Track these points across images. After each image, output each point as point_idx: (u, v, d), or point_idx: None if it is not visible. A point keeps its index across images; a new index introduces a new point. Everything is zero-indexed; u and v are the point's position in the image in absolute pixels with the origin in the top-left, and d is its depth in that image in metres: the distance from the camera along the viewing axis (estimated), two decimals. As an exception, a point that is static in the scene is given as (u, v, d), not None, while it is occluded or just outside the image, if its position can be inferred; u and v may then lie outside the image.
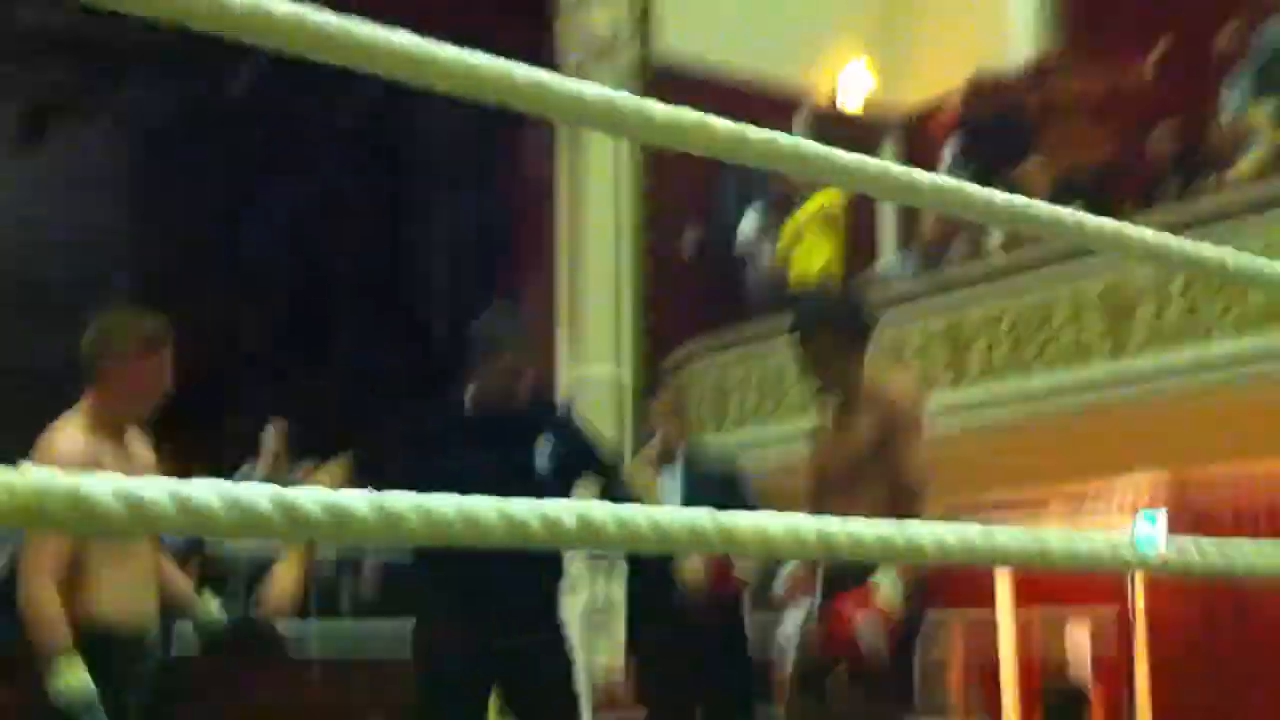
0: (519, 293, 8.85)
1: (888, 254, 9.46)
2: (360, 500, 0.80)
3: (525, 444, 3.63)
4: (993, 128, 7.60)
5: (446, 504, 0.83)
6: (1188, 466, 6.93)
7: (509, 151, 9.49)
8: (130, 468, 3.14)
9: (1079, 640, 8.02)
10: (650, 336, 8.55)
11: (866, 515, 3.57)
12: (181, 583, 3.50)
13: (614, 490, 3.70)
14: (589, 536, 0.91)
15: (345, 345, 11.43)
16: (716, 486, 4.47)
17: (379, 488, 0.81)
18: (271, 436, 7.80)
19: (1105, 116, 7.25)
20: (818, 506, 3.44)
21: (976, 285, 6.98)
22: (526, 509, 0.88)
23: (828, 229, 8.29)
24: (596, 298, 8.57)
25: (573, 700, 3.76)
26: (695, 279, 8.83)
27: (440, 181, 11.52)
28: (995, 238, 7.25)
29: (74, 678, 2.92)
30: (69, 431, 3.15)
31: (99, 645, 3.01)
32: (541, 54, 9.02)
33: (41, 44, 10.24)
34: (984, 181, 1.29)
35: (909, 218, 9.00)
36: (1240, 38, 6.82)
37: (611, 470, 3.88)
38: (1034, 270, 6.63)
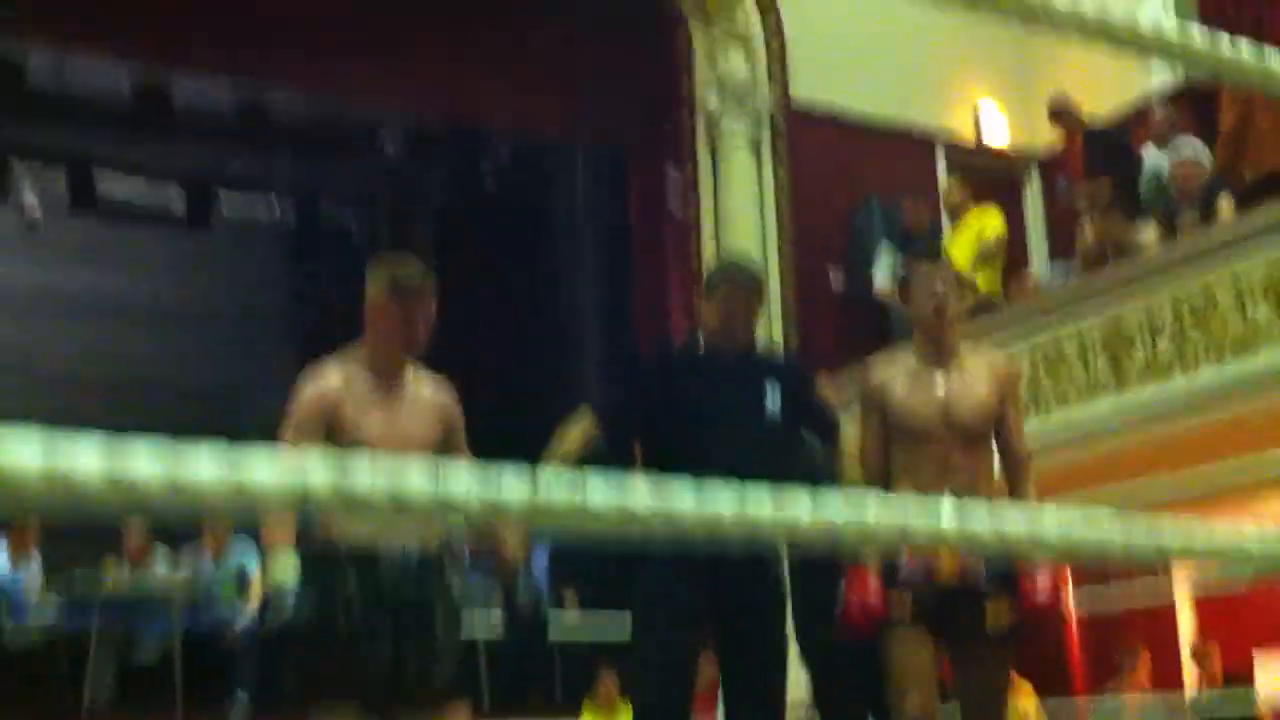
0: (668, 335, 8.95)
1: (1039, 264, 9.44)
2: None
3: (756, 383, 3.77)
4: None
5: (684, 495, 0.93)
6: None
7: (651, 194, 9.63)
8: (400, 403, 3.50)
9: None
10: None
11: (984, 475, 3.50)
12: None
13: (829, 447, 3.84)
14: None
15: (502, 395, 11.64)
16: None
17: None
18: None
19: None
20: (940, 455, 3.57)
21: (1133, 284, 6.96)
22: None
23: (987, 259, 8.39)
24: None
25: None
26: (840, 317, 8.87)
27: (582, 229, 11.70)
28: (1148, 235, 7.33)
29: (280, 574, 3.28)
30: (324, 366, 3.53)
31: (328, 556, 3.32)
32: (680, 99, 9.21)
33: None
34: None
35: (1058, 229, 8.98)
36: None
37: (831, 429, 3.95)
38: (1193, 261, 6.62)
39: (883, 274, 8.68)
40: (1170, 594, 8.40)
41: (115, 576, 7.77)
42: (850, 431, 3.88)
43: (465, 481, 0.82)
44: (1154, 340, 6.79)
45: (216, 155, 11.20)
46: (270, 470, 0.77)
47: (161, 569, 7.99)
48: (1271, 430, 6.21)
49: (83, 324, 12.45)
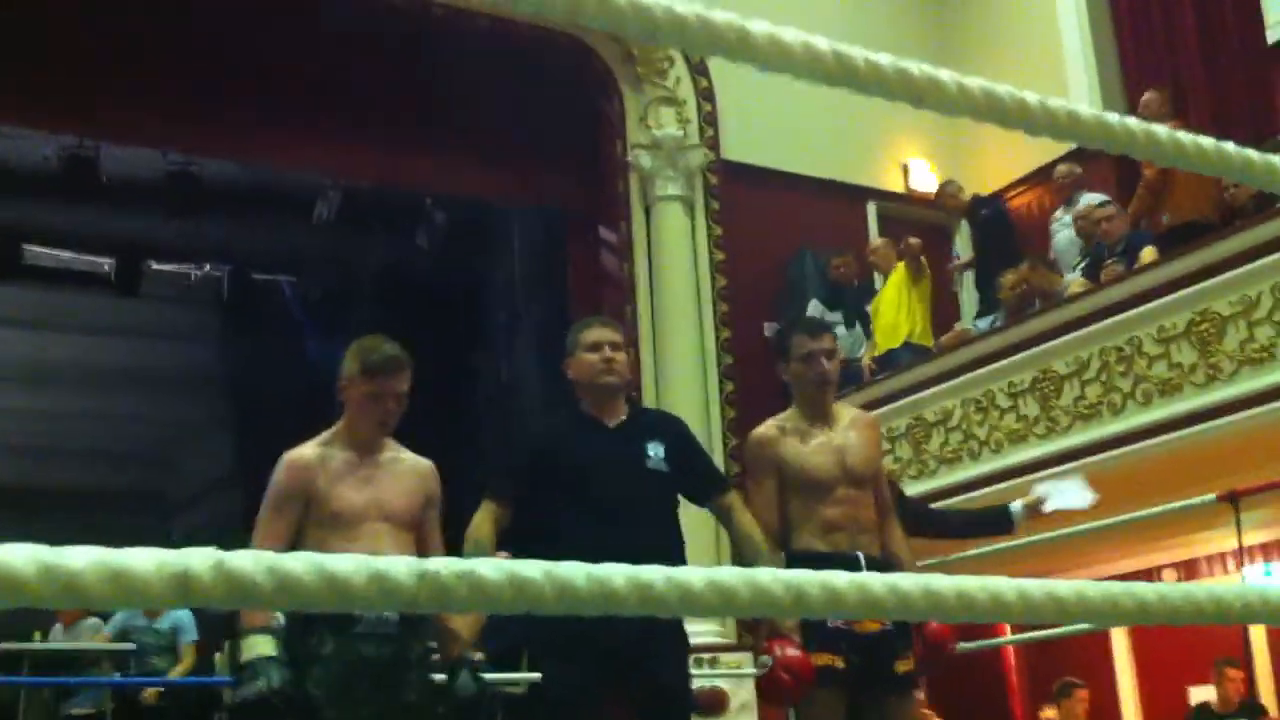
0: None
1: (969, 314, 9.61)
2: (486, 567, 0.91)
3: (638, 440, 3.83)
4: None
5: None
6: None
7: (587, 255, 9.68)
8: (378, 475, 3.56)
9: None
10: (737, 428, 8.63)
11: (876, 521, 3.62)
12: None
13: (719, 499, 3.90)
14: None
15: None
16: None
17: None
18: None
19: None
20: (841, 504, 3.81)
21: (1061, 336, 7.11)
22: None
23: (912, 296, 8.54)
24: (682, 394, 8.66)
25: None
26: (775, 372, 8.90)
27: (519, 292, 11.71)
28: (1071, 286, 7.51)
29: (260, 649, 3.28)
30: (300, 446, 3.58)
31: (305, 622, 3.37)
32: (614, 161, 9.29)
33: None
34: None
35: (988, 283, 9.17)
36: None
37: (719, 480, 4.06)
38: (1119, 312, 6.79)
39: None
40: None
41: (46, 637, 7.72)
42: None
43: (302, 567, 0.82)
44: (1082, 385, 6.92)
45: (147, 222, 11.14)
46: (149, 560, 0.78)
47: (92, 625, 7.93)
48: (1201, 470, 6.32)
49: (12, 388, 12.32)
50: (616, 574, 0.95)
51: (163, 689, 7.69)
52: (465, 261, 11.86)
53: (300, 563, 0.83)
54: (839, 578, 1.07)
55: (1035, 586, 1.22)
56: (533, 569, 0.92)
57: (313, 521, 3.47)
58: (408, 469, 3.66)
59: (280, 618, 3.41)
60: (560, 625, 3.59)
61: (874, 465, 3.95)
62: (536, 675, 3.86)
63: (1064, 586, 1.25)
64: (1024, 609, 1.21)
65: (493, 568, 0.90)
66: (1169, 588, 1.32)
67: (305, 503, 3.48)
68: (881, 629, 3.72)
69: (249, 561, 0.81)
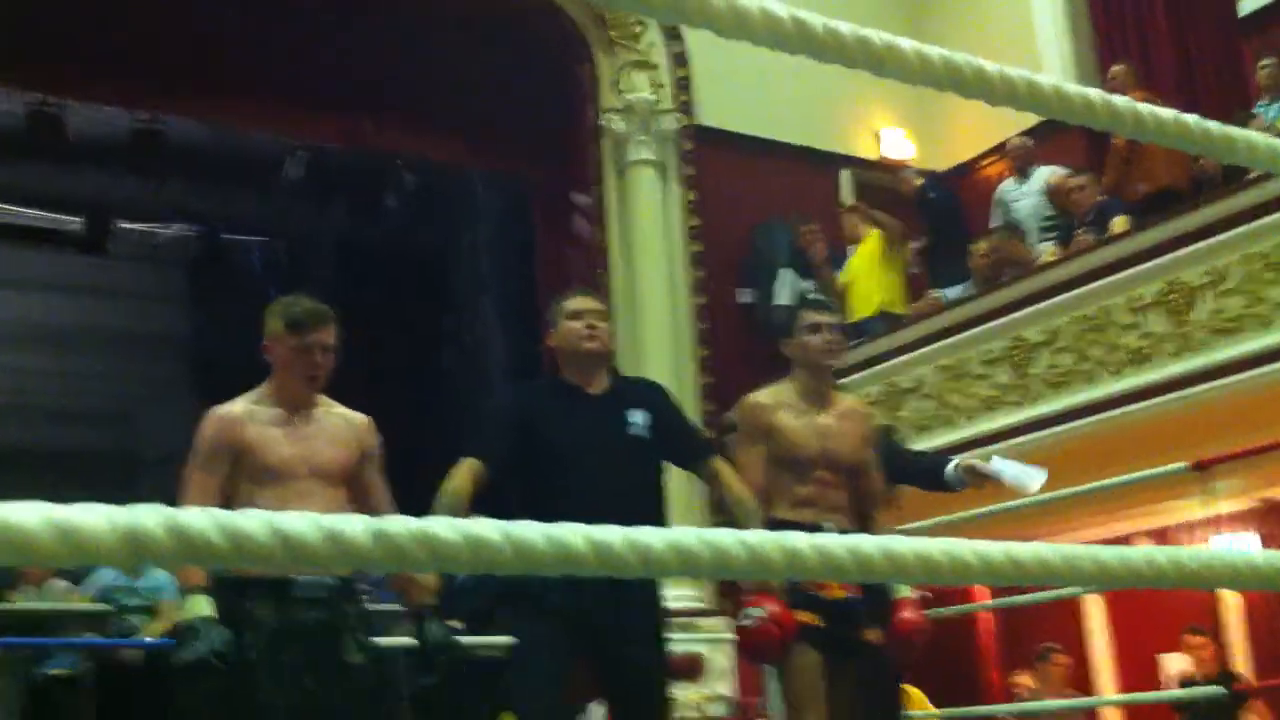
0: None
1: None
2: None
3: (618, 408, 3.86)
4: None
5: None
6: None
7: (557, 219, 9.63)
8: (309, 430, 3.52)
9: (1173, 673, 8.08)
10: (711, 394, 8.63)
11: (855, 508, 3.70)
12: None
13: (706, 465, 3.94)
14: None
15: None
16: None
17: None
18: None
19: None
20: (819, 486, 3.88)
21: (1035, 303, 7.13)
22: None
23: (887, 266, 8.56)
24: (656, 361, 8.65)
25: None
26: (747, 335, 8.91)
27: (487, 257, 11.67)
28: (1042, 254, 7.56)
29: (196, 608, 3.28)
30: (233, 401, 3.56)
31: (239, 587, 3.35)
32: (586, 125, 9.24)
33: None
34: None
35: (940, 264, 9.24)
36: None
37: (704, 447, 4.12)
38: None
39: (783, 297, 8.82)
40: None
41: (18, 598, 7.66)
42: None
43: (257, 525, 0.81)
44: (1054, 354, 6.96)
45: (114, 181, 11.03)
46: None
47: (64, 587, 7.89)
48: (1173, 439, 6.37)
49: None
50: (575, 534, 0.95)
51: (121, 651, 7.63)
52: (434, 224, 11.79)
53: (254, 521, 0.82)
54: (799, 539, 1.07)
55: (995, 549, 1.22)
56: (490, 529, 0.91)
57: (243, 477, 3.44)
58: (340, 423, 3.62)
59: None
60: (531, 589, 3.59)
61: (858, 455, 3.99)
62: (508, 638, 3.84)
63: (1023, 549, 1.25)
64: (983, 570, 1.21)
65: (449, 527, 0.89)
66: (1131, 550, 1.33)
67: (233, 458, 3.44)
68: (846, 596, 3.77)
69: (202, 519, 0.79)
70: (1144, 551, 1.32)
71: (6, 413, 12.16)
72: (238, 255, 12.58)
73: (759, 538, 1.05)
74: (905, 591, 3.94)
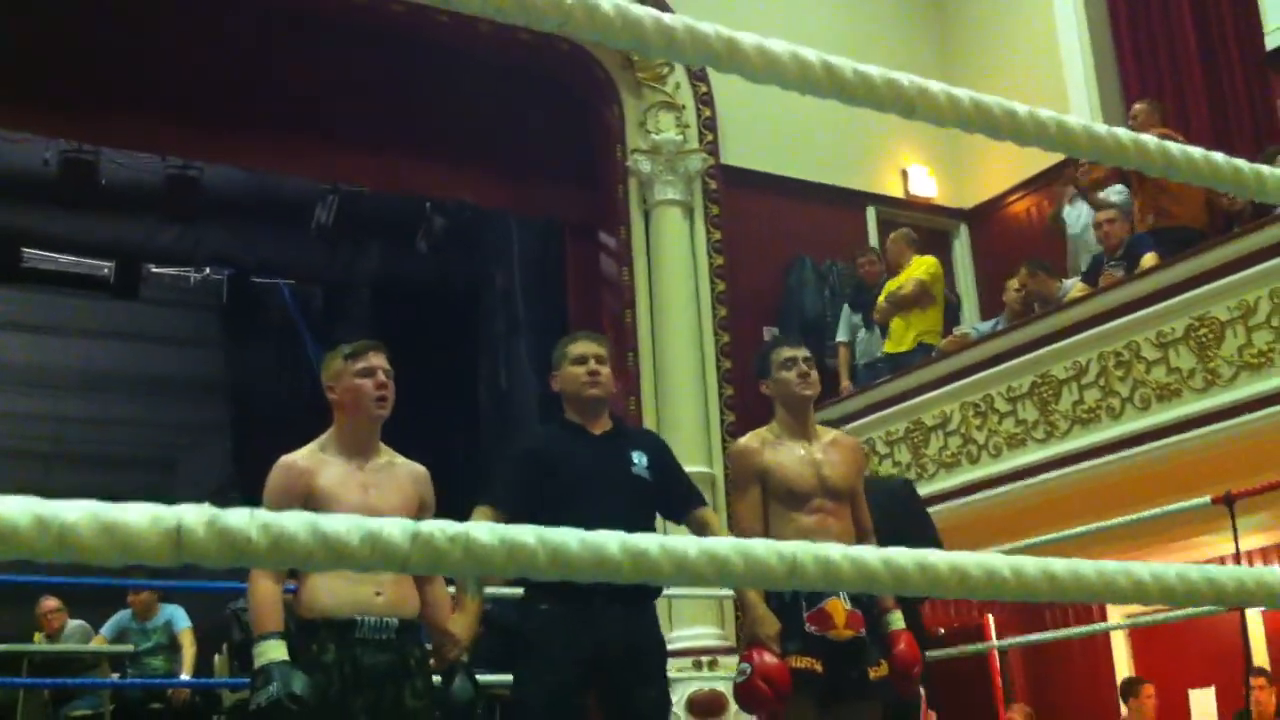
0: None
1: (969, 318, 9.63)
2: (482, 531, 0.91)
3: (623, 451, 3.98)
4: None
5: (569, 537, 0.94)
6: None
7: (586, 261, 9.68)
8: (374, 478, 3.58)
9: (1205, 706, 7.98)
10: (736, 432, 8.62)
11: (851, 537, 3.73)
12: (443, 611, 3.72)
13: (697, 510, 4.07)
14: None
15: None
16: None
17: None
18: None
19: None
20: (817, 516, 3.91)
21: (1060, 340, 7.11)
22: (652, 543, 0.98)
23: (896, 304, 8.55)
24: (681, 399, 8.66)
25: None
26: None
27: (518, 298, 11.72)
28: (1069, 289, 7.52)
29: (271, 653, 3.31)
30: (299, 450, 3.60)
31: (306, 629, 3.42)
32: (614, 167, 9.30)
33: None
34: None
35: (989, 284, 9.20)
36: None
37: (697, 493, 4.19)
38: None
39: (843, 334, 8.95)
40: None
41: (39, 643, 7.73)
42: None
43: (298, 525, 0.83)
44: (1081, 390, 6.93)
45: (147, 226, 11.16)
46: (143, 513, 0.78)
47: (79, 627, 7.96)
48: (1200, 475, 6.33)
49: (12, 392, 12.31)
50: (610, 539, 0.96)
51: (181, 690, 7.67)
52: (464, 267, 11.87)
53: (294, 521, 0.83)
54: (833, 549, 1.08)
55: (1031, 564, 1.23)
56: (526, 533, 0.92)
57: None
58: (403, 474, 3.68)
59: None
60: (545, 629, 3.69)
61: (850, 483, 4.04)
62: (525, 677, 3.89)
63: (1060, 565, 1.26)
64: (1019, 586, 1.21)
65: (486, 531, 0.90)
66: (1163, 567, 1.33)
67: (302, 507, 3.46)
68: (855, 636, 3.84)
69: (243, 518, 0.81)
70: (1177, 569, 1.32)
71: (49, 459, 12.25)
72: (270, 299, 12.69)
73: (794, 548, 1.06)
74: (898, 623, 3.97)
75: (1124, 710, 8.11)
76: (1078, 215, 8.39)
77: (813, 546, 1.05)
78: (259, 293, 12.57)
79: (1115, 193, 8.15)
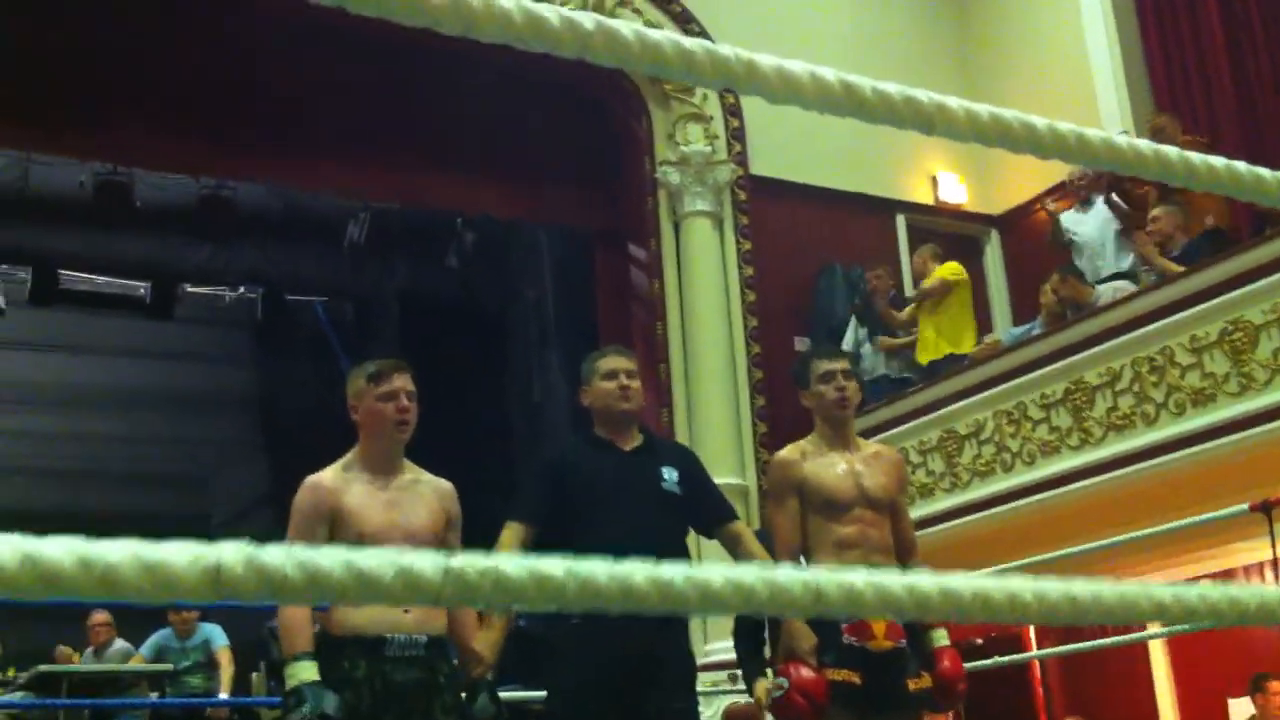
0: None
1: (1001, 325, 9.59)
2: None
3: (652, 465, 3.99)
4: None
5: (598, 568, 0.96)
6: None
7: (616, 272, 9.71)
8: (400, 495, 3.60)
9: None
10: (768, 443, 8.63)
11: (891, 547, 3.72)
12: (469, 629, 3.73)
13: (729, 524, 4.06)
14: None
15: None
16: None
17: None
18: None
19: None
20: (857, 526, 3.91)
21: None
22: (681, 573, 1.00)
23: (953, 303, 8.53)
24: (713, 410, 8.68)
25: None
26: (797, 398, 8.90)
27: (548, 311, 11.76)
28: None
29: (303, 674, 3.34)
30: (325, 470, 3.62)
31: (337, 647, 3.45)
32: (643, 178, 9.33)
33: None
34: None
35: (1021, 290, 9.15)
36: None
37: (729, 506, 4.18)
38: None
39: (848, 344, 8.86)
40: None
41: (80, 659, 7.81)
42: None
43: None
44: (1115, 396, 6.90)
45: (181, 246, 11.27)
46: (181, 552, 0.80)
47: (122, 649, 8.04)
48: (1236, 480, 6.29)
49: (49, 412, 12.43)
50: (638, 571, 0.98)
51: (219, 709, 7.75)
52: (494, 281, 11.92)
53: (329, 558, 0.86)
54: (856, 576, 1.09)
55: (1053, 588, 1.23)
56: (555, 565, 0.94)
57: (338, 544, 3.47)
58: (429, 490, 3.71)
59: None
60: (572, 641, 3.72)
61: (891, 494, 4.03)
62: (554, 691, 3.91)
63: (1081, 587, 1.26)
64: (1041, 610, 1.22)
65: (516, 564, 0.92)
66: (1185, 589, 1.33)
67: (330, 525, 3.51)
68: (895, 646, 3.84)
69: (280, 555, 0.83)
70: (1198, 590, 1.32)
71: (82, 478, 12.37)
72: (302, 316, 12.78)
73: (818, 576, 1.08)
74: (943, 640, 3.97)
75: (1251, 707, 7.95)
76: (1080, 222, 8.34)
77: (837, 575, 1.07)
78: (292, 310, 12.66)
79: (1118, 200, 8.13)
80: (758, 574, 1.04)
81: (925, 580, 1.14)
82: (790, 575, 1.05)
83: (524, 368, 11.99)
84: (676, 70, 1.11)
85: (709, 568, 1.02)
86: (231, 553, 0.82)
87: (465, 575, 0.89)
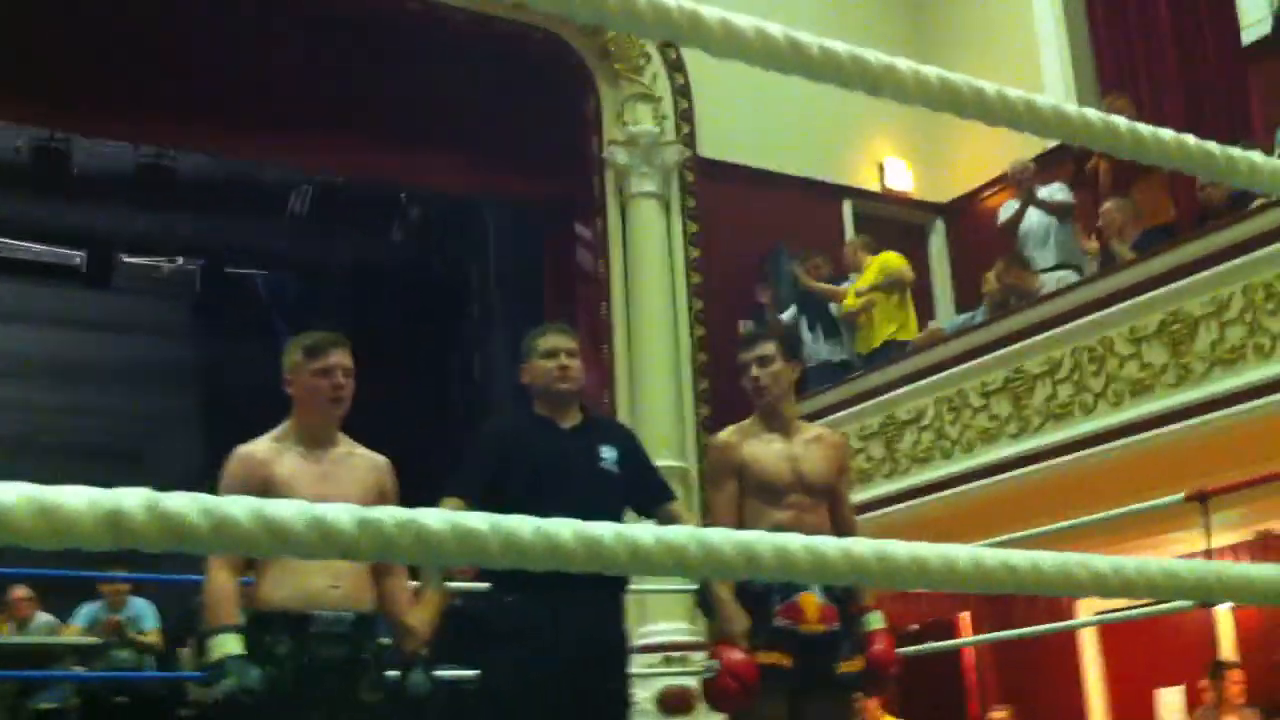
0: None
1: (944, 312, 9.64)
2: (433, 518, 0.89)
3: (591, 443, 3.97)
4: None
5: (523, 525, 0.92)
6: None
7: (562, 251, 9.66)
8: (333, 469, 3.56)
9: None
10: (711, 426, 8.62)
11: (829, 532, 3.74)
12: (402, 605, 3.67)
13: (666, 504, 4.02)
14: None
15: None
16: None
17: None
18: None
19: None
20: (793, 511, 3.90)
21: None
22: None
23: (892, 287, 8.55)
24: (656, 392, 8.65)
25: None
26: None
27: (493, 288, 11.69)
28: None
29: (227, 647, 3.29)
30: (256, 440, 3.59)
31: (262, 623, 3.40)
32: (590, 157, 9.27)
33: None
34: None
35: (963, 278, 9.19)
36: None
37: (666, 486, 4.15)
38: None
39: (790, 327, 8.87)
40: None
41: (7, 632, 7.70)
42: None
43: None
44: (1054, 385, 6.94)
45: (119, 215, 11.09)
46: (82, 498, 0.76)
47: (47, 622, 7.92)
48: (1172, 471, 6.35)
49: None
50: (565, 528, 0.94)
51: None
52: (440, 257, 11.82)
53: (239, 506, 0.82)
54: (792, 540, 1.06)
55: (990, 555, 1.21)
56: (478, 520, 0.91)
57: None
58: (363, 463, 3.66)
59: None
60: (509, 620, 3.69)
61: (829, 479, 4.03)
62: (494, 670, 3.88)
63: (1020, 556, 1.25)
64: (978, 577, 1.20)
65: (436, 517, 0.89)
66: (1123, 560, 1.32)
67: (259, 496, 3.44)
68: (827, 629, 3.84)
69: (184, 501, 0.79)
70: (1137, 562, 1.31)
71: (15, 447, 12.16)
72: (243, 288, 12.62)
73: (750, 537, 1.05)
74: (878, 623, 3.97)
75: (1180, 697, 7.99)
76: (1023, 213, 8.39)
77: (770, 536, 1.04)
78: (232, 282, 12.50)
79: (1058, 190, 8.19)
80: (690, 534, 1.01)
81: (861, 544, 1.11)
82: (723, 535, 1.02)
83: (467, 344, 11.91)
84: (618, 20, 1.07)
85: (639, 526, 0.99)
86: (132, 498, 0.77)
87: (383, 527, 0.86)
